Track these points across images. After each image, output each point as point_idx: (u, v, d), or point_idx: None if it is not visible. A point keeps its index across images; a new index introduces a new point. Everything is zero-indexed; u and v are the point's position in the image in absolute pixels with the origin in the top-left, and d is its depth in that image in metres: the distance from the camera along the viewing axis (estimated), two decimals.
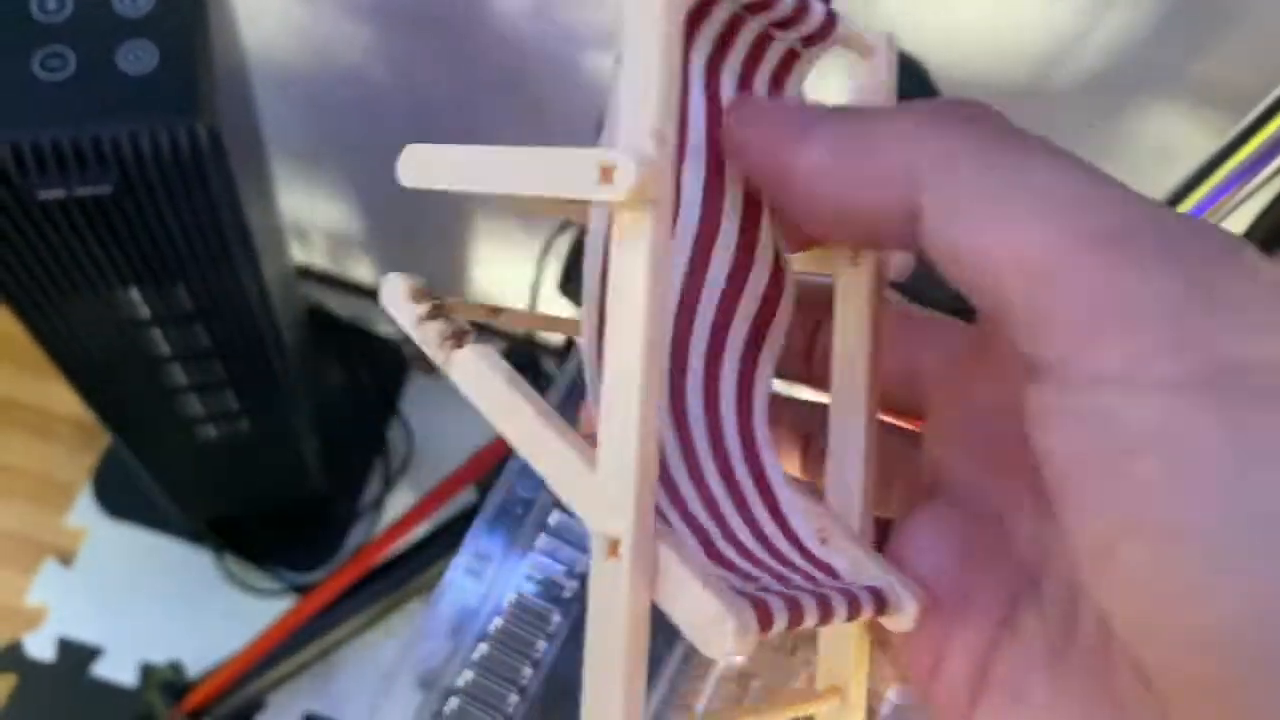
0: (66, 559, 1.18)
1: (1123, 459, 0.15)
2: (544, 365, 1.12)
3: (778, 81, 0.20)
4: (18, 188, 0.58)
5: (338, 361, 1.27)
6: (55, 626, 1.15)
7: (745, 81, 0.20)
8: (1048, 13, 0.66)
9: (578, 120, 0.88)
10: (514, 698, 0.47)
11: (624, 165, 0.16)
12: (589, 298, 0.19)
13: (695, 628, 0.16)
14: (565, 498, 0.17)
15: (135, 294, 0.69)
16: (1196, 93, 0.68)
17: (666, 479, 0.18)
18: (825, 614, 0.17)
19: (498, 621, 0.47)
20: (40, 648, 1.14)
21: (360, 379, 1.28)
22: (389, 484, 1.25)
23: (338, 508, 1.22)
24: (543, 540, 0.46)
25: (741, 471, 0.20)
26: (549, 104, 0.88)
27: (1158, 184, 0.47)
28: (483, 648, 0.47)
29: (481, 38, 0.83)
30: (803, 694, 0.20)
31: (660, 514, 0.17)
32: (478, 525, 0.46)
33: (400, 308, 0.20)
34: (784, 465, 0.20)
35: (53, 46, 0.58)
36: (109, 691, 1.13)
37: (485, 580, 0.45)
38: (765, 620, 0.16)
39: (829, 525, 0.20)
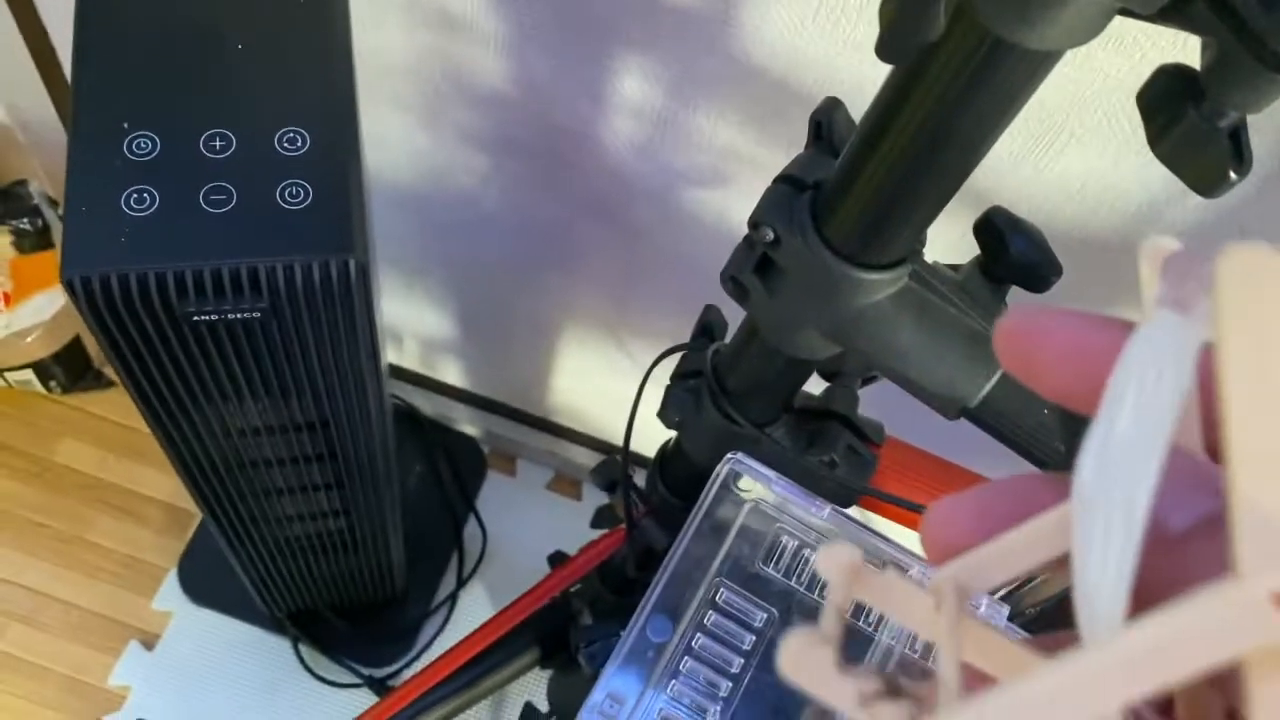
0: (149, 642, 1.21)
1: None
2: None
3: None
4: (176, 312, 0.62)
5: (419, 457, 1.31)
6: (134, 709, 1.18)
7: None
8: (1142, 173, 0.70)
9: (671, 249, 0.92)
10: None
11: None
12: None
13: None
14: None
15: (265, 404, 0.73)
16: None
17: None
18: None
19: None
20: None
21: (440, 475, 1.31)
22: (462, 582, 1.27)
23: (412, 603, 1.25)
24: (712, 618, 0.49)
25: None
26: (645, 233, 0.92)
27: None
28: None
29: (588, 168, 0.88)
30: None
31: None
32: (610, 667, 0.48)
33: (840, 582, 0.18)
34: None
35: (218, 182, 0.63)
36: None
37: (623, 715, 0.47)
38: None
39: None
